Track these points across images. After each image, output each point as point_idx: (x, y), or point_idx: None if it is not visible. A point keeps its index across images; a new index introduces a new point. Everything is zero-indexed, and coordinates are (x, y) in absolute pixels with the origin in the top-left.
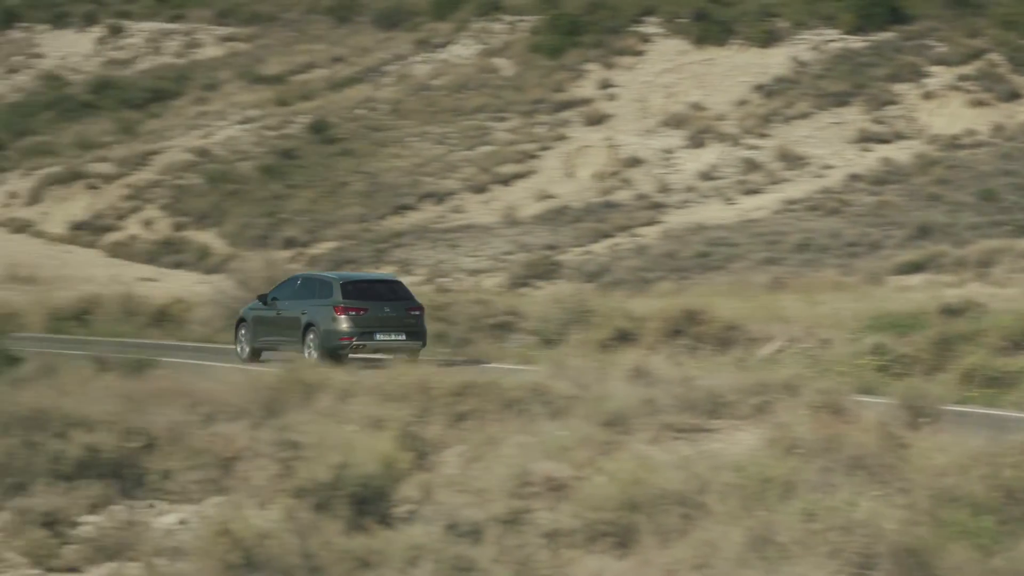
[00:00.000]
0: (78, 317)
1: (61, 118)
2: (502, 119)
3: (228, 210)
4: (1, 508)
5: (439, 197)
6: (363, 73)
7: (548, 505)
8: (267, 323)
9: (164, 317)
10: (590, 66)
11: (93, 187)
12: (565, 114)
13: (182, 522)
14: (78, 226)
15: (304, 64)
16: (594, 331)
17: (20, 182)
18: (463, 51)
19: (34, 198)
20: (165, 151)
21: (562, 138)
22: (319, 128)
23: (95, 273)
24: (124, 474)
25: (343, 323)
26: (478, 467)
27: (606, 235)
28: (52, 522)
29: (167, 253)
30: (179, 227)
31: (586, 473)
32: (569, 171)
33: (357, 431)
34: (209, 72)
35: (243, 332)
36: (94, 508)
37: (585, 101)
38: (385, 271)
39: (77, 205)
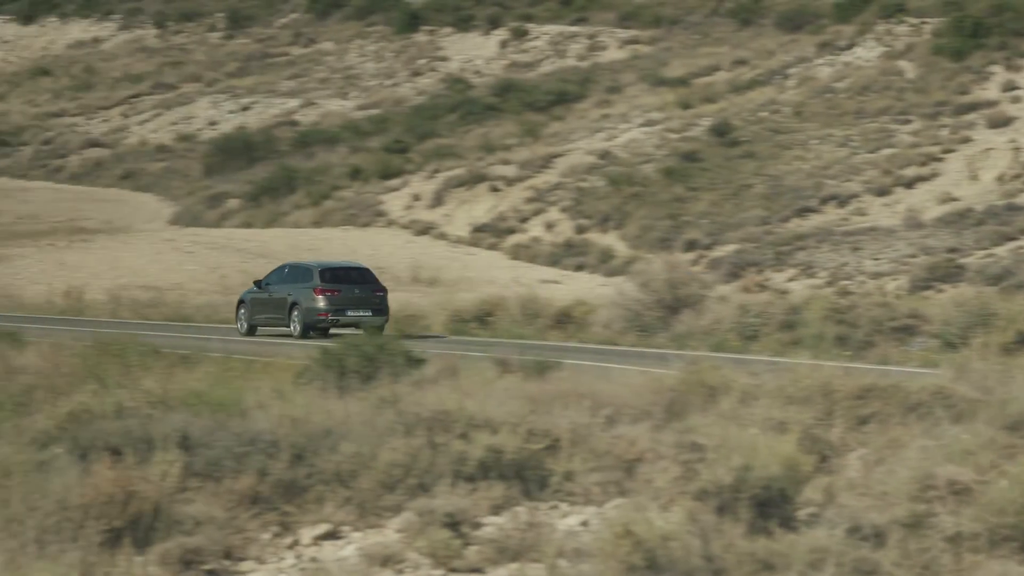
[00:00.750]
0: (480, 319)
1: (464, 121)
2: (905, 121)
3: (630, 212)
4: (404, 509)
5: (841, 200)
6: (766, 75)
7: (951, 509)
8: (261, 303)
9: (566, 319)
10: (994, 68)
11: (496, 189)
12: (968, 116)
13: (584, 524)
14: (480, 228)
15: (707, 67)
16: (997, 334)
17: (423, 185)
18: (866, 53)
19: (437, 200)
20: (567, 154)
21: (965, 140)
22: (721, 131)
23: (497, 275)
24: (526, 475)
25: (320, 302)
26: (880, 470)
27: (1010, 238)
28: (455, 523)
29: (569, 255)
30: (581, 229)
31: (989, 477)
32: (972, 174)
33: (759, 434)
34: (612, 75)
35: (242, 312)
36: (497, 509)
37: (989, 103)
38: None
39: (480, 207)
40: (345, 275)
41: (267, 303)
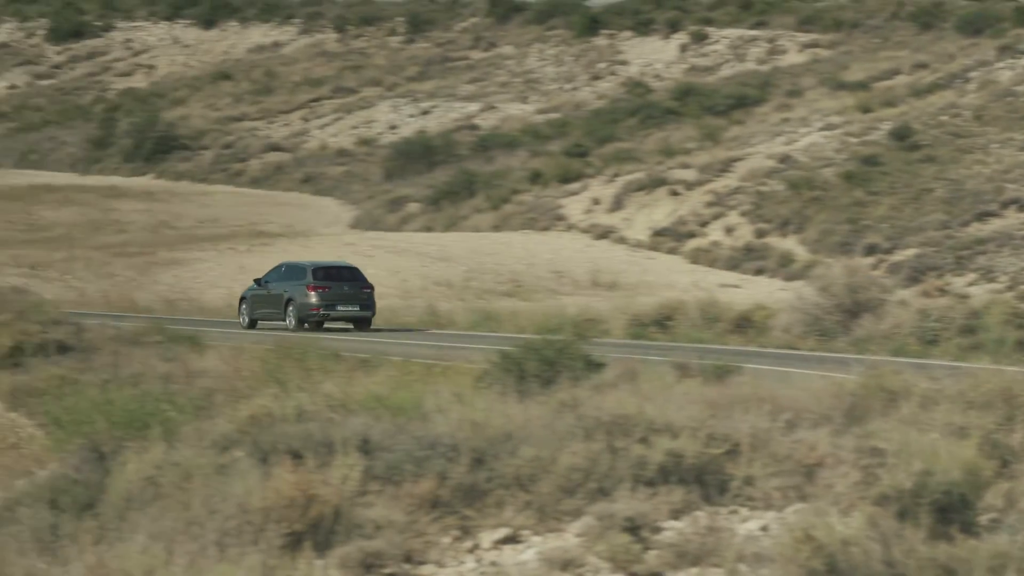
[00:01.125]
0: (659, 323)
1: (644, 125)
2: None
3: (810, 217)
4: (584, 513)
5: (1022, 204)
6: (946, 79)
7: None
8: (260, 299)
9: (745, 323)
10: None
11: (675, 193)
12: None
13: (764, 528)
14: (660, 232)
15: (887, 70)
16: None
17: (603, 188)
18: None
19: (617, 204)
20: (747, 157)
21: None
22: (901, 134)
23: (676, 279)
24: (706, 480)
25: (313, 298)
26: None
27: None
28: (635, 527)
29: (749, 259)
30: (761, 233)
31: None
32: None
33: (939, 439)
34: (792, 78)
35: (244, 307)
36: (676, 514)
37: None
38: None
39: (659, 211)
40: (336, 274)
41: (266, 299)
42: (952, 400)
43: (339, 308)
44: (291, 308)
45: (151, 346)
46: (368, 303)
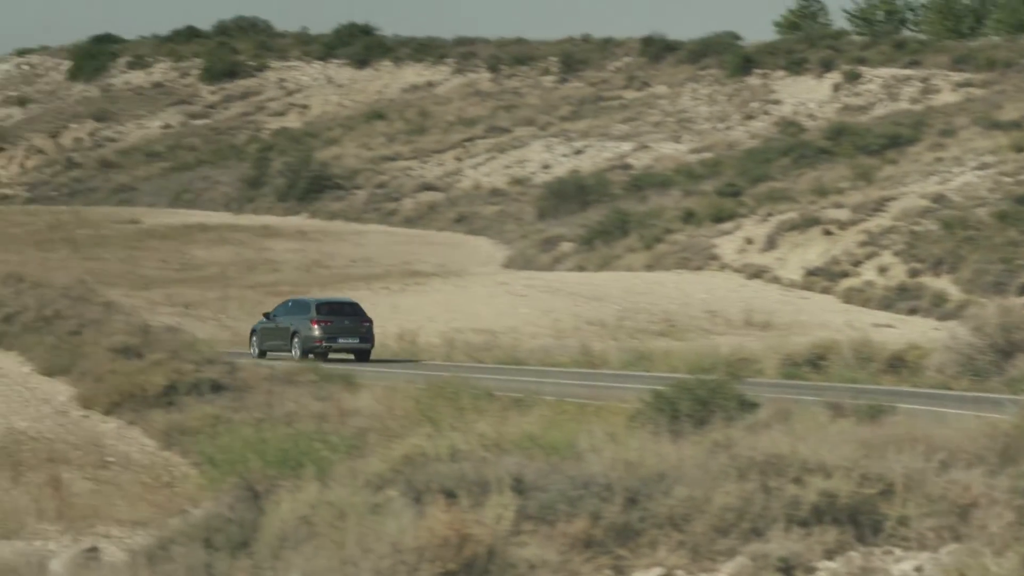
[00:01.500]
0: (812, 362)
1: (797, 164)
2: None
3: (963, 256)
4: (738, 553)
5: None
6: None
7: None
8: (269, 332)
9: (899, 363)
10: None
11: (828, 233)
12: None
13: (918, 569)
14: (813, 272)
15: None
16: None
17: (756, 228)
18: None
19: (770, 244)
20: (901, 197)
21: None
22: None
23: (829, 319)
24: (860, 520)
25: (316, 331)
26: None
27: None
28: (788, 567)
29: (902, 299)
30: (914, 273)
31: None
32: None
33: None
34: (945, 118)
35: (254, 339)
36: (830, 554)
37: None
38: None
39: (812, 251)
40: (338, 308)
41: (274, 332)
42: None
43: (340, 340)
44: (296, 340)
45: (305, 385)
46: (367, 336)
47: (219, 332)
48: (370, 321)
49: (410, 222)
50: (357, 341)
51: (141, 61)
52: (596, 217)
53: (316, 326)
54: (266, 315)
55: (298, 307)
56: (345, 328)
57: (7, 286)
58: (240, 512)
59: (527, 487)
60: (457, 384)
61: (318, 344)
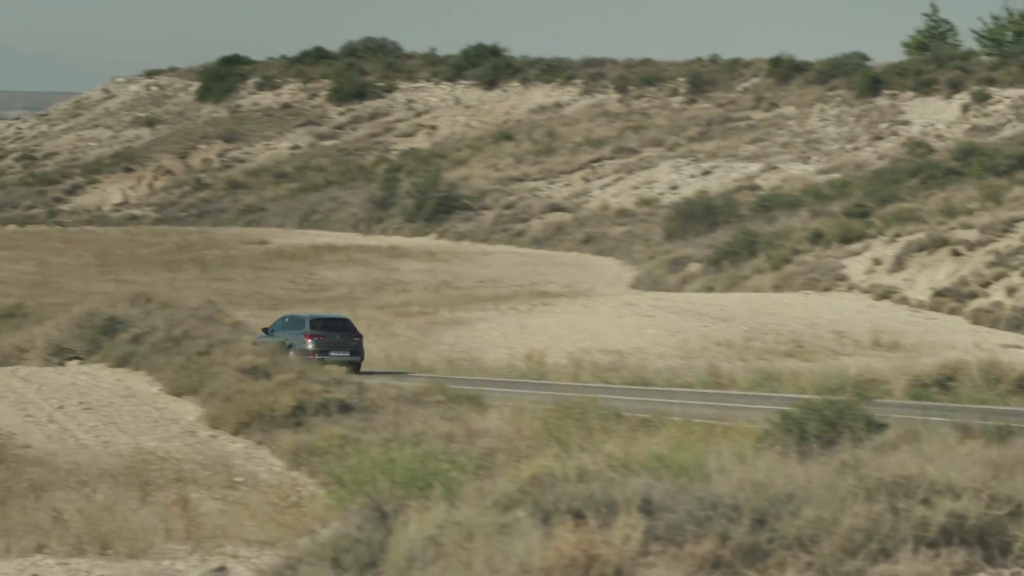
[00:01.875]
0: (940, 383)
1: (925, 185)
2: None
3: None
4: (866, 574)
5: None
6: None
7: None
8: (266, 346)
9: None
10: None
11: (957, 254)
12: None
13: None
14: (941, 292)
15: None
16: None
17: (884, 249)
18: None
19: (898, 265)
20: None
21: None
22: None
23: (957, 340)
24: (988, 541)
25: (310, 345)
26: None
27: None
28: None
29: None
30: None
31: None
32: None
33: None
34: None
35: None
36: (959, 575)
37: None
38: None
39: (941, 272)
40: (332, 324)
41: (271, 345)
42: None
43: (332, 354)
44: (291, 353)
45: (432, 405)
46: (357, 349)
47: None
48: (360, 336)
49: (538, 243)
50: (347, 354)
51: (270, 82)
52: (724, 238)
53: (310, 340)
54: (265, 330)
55: (294, 322)
56: (336, 342)
57: (136, 307)
58: (368, 532)
59: (655, 508)
60: (585, 404)
61: (312, 357)
